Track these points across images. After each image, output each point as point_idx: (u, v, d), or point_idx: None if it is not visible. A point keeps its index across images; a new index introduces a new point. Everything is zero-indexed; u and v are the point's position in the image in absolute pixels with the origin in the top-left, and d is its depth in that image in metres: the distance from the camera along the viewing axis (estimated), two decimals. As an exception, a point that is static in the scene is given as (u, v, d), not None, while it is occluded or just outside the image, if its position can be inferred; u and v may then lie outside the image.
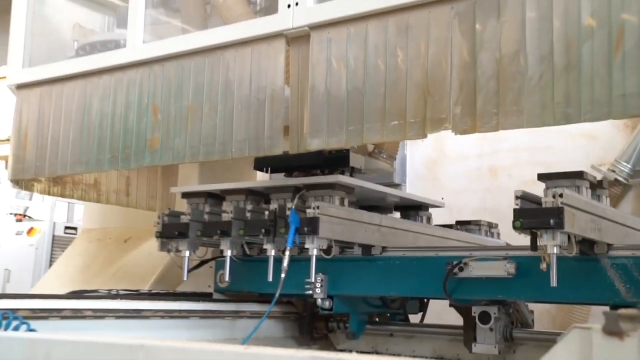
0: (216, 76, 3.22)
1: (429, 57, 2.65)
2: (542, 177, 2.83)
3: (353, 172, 3.70)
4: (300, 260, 3.33)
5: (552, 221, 2.47)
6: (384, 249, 3.40)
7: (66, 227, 8.24)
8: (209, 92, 3.23)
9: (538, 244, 2.56)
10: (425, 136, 2.67)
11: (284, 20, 3.00)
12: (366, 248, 3.38)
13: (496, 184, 5.26)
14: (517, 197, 2.61)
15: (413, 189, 5.40)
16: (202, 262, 3.88)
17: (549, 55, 2.39)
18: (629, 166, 4.58)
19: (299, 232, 3.11)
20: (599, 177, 3.47)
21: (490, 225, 4.37)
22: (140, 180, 4.73)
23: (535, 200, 2.63)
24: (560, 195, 2.50)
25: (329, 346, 3.93)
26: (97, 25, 4.59)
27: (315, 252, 3.14)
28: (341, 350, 3.81)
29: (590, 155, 4.79)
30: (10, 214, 9.24)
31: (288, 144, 2.99)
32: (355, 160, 3.70)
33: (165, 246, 3.61)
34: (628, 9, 2.27)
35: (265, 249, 3.28)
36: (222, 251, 3.43)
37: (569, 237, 2.56)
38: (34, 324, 2.47)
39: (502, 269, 2.93)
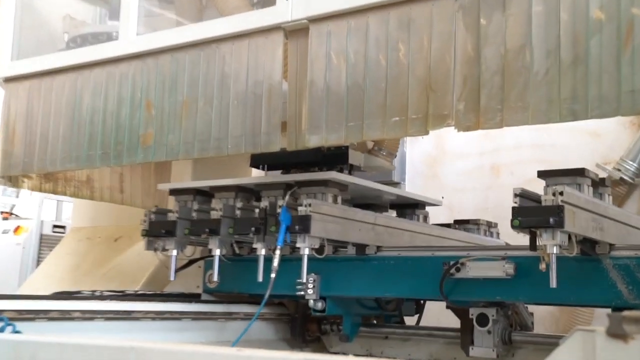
0: (212, 70, 3.21)
1: (432, 51, 2.65)
2: (542, 174, 2.82)
3: (352, 169, 3.69)
4: (291, 260, 3.32)
5: (551, 220, 2.45)
6: (378, 248, 3.39)
7: (54, 226, 8.21)
8: (204, 86, 3.22)
9: (537, 243, 2.55)
10: (427, 133, 2.67)
11: (282, 12, 2.99)
12: (360, 247, 3.37)
13: (498, 182, 5.26)
14: (515, 195, 2.59)
15: (412, 188, 5.40)
16: (190, 262, 3.86)
17: (556, 49, 2.39)
18: (635, 165, 4.59)
19: (290, 231, 3.09)
20: (604, 176, 3.47)
21: (490, 225, 4.37)
22: (135, 177, 4.72)
23: (535, 198, 2.62)
24: (561, 193, 2.49)
25: (322, 349, 3.92)
26: (89, 17, 4.57)
27: (306, 251, 3.12)
28: (334, 354, 3.80)
29: (595, 154, 4.80)
30: (-4, 211, 9.22)
31: (286, 141, 2.99)
32: (355, 157, 3.70)
33: (151, 245, 3.58)
34: (638, 2, 2.27)
35: (256, 248, 3.26)
36: (210, 250, 3.42)
37: (569, 237, 2.55)
38: (19, 325, 2.47)
39: (500, 270, 2.92)
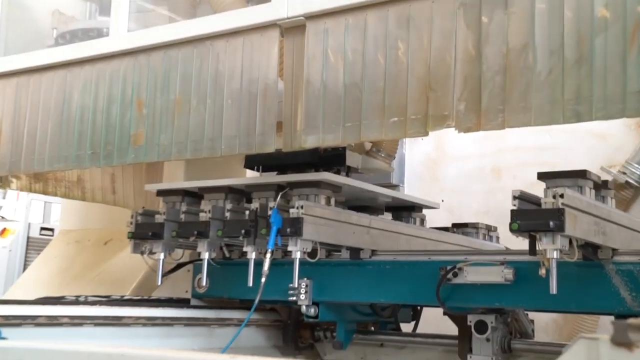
0: (205, 68, 3.21)
1: (432, 50, 2.65)
2: (542, 176, 2.82)
3: (349, 171, 3.69)
4: (283, 264, 3.32)
5: (551, 223, 2.44)
6: (373, 252, 3.39)
7: (42, 228, 8.20)
8: (197, 85, 3.22)
9: (537, 248, 2.54)
10: (426, 134, 2.67)
11: (278, 9, 2.99)
12: (354, 251, 3.37)
13: (499, 185, 5.27)
14: (514, 197, 2.58)
15: (412, 190, 5.41)
16: (179, 266, 3.86)
17: (559, 48, 2.39)
18: (640, 168, 4.60)
19: (281, 234, 3.09)
20: (608, 179, 3.47)
21: (489, 229, 4.37)
22: (127, 178, 4.71)
23: (535, 200, 2.61)
24: (561, 196, 2.48)
25: (315, 356, 3.92)
26: (78, 12, 4.56)
27: (298, 255, 3.12)
28: (328, 361, 3.80)
29: (600, 156, 4.81)
30: (-19, 214, 9.20)
31: (281, 141, 2.98)
32: (352, 159, 3.70)
33: (138, 248, 3.57)
34: (644, 0, 2.27)
35: (246, 252, 3.25)
36: (199, 254, 3.41)
37: (570, 241, 2.54)
38: (5, 331, 2.45)
39: (499, 275, 2.91)
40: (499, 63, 2.49)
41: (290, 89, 2.99)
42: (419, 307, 3.96)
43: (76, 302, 3.52)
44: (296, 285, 3.24)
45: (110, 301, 3.60)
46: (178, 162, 4.25)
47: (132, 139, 3.37)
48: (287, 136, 2.96)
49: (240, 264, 3.45)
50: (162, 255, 3.53)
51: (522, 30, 2.46)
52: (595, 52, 2.32)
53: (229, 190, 3.48)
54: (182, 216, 3.45)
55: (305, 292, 3.31)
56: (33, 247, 7.92)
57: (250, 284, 3.23)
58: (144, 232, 3.51)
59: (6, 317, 2.77)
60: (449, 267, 3.02)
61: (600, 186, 2.98)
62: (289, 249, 3.11)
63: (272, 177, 3.59)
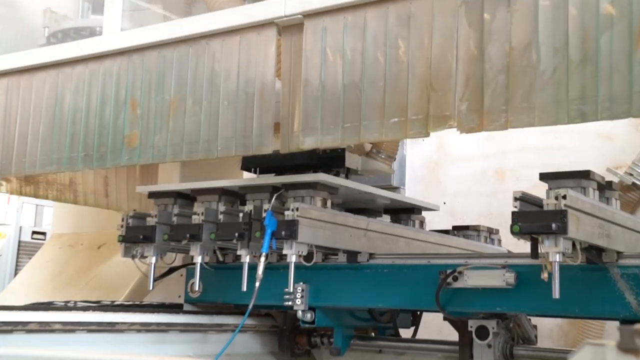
0: (201, 68, 3.21)
1: (433, 48, 2.65)
2: (544, 176, 2.82)
3: (349, 173, 3.69)
4: (278, 268, 3.32)
5: (554, 225, 2.44)
6: (371, 255, 3.38)
7: (34, 232, 8.19)
8: (192, 85, 3.21)
9: (539, 251, 2.53)
10: (428, 135, 2.67)
11: (275, 7, 2.99)
12: (352, 255, 3.36)
13: (503, 187, 5.27)
14: (515, 199, 2.57)
15: (412, 192, 5.41)
16: (171, 270, 3.85)
17: (564, 47, 2.39)
18: (648, 169, 4.60)
19: (275, 237, 3.08)
20: (615, 181, 3.46)
21: (491, 231, 4.36)
22: (120, 181, 4.71)
23: (537, 202, 2.60)
24: (564, 197, 2.47)
25: (312, 363, 3.92)
26: (71, 11, 4.56)
27: (294, 258, 3.11)
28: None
29: (606, 157, 4.81)
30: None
31: (278, 143, 2.98)
32: (352, 160, 3.69)
33: (129, 251, 3.56)
34: (651, -3, 2.27)
35: (240, 255, 3.24)
36: (192, 257, 3.41)
37: (573, 244, 2.54)
38: (-4, 338, 2.45)
39: (500, 279, 2.91)
40: (502, 62, 2.49)
41: (288, 89, 2.99)
42: (418, 312, 3.95)
43: (65, 307, 3.51)
44: (292, 290, 3.23)
45: (100, 306, 3.60)
46: (173, 164, 4.25)
47: (126, 141, 3.37)
48: (284, 137, 2.96)
49: (234, 268, 3.45)
50: (153, 259, 3.52)
51: (525, 28, 2.46)
52: (601, 50, 2.32)
53: (223, 192, 3.48)
54: (174, 219, 3.45)
55: (301, 296, 3.30)
56: (24, 251, 7.91)
57: (244, 288, 3.22)
58: (135, 236, 3.50)
59: (-4, 324, 2.77)
60: (449, 271, 3.02)
61: (605, 187, 2.98)
62: (284, 252, 3.11)
63: (267, 179, 3.58)
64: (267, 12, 3.03)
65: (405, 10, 2.72)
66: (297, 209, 3.06)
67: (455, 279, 3.00)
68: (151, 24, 3.54)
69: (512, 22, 2.49)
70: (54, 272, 4.86)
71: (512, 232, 2.53)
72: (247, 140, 3.03)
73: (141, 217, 3.57)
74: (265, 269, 3.15)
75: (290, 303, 3.29)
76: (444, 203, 4.61)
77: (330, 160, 3.62)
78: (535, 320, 3.61)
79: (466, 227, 4.27)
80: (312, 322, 3.36)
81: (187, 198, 3.63)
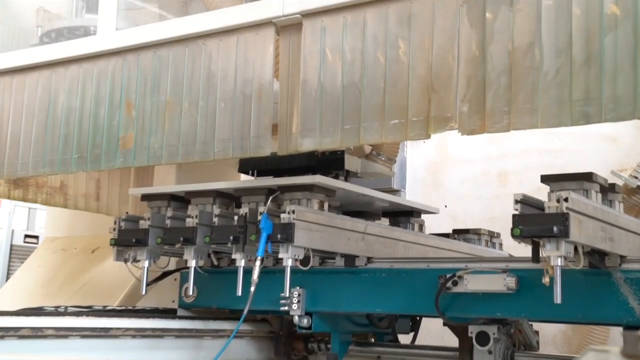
0: (197, 68, 3.21)
1: (434, 49, 2.65)
2: (546, 179, 2.81)
3: (348, 175, 3.69)
4: (274, 272, 3.31)
5: (555, 228, 2.43)
6: (369, 259, 3.38)
7: (26, 236, 8.19)
8: (189, 85, 3.22)
9: (540, 254, 2.53)
10: (428, 136, 2.67)
11: (273, 6, 3.00)
12: (349, 258, 3.36)
13: (505, 190, 5.27)
14: (516, 202, 2.57)
15: (413, 195, 5.41)
16: (164, 274, 3.84)
17: (567, 47, 2.39)
18: (653, 172, 4.60)
19: (271, 240, 3.07)
20: (619, 184, 3.47)
21: (492, 235, 4.36)
22: (112, 184, 4.71)
23: (538, 205, 2.60)
24: (566, 200, 2.46)
25: (309, 369, 3.92)
26: (64, 10, 4.56)
27: (290, 262, 3.10)
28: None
29: (610, 160, 4.81)
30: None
31: (276, 145, 2.98)
32: (351, 162, 3.69)
33: (121, 255, 3.55)
34: (656, -4, 2.27)
35: (235, 259, 3.23)
36: (186, 261, 3.40)
37: (575, 248, 2.53)
38: (-13, 344, 2.45)
39: (501, 284, 2.90)
40: (504, 62, 2.50)
41: (286, 89, 3.00)
42: (417, 318, 3.95)
43: (56, 312, 3.51)
44: (288, 295, 3.22)
45: (93, 312, 3.60)
46: (169, 167, 4.25)
47: (121, 142, 3.37)
48: (282, 139, 2.96)
49: (229, 272, 3.45)
50: (146, 263, 3.51)
51: (528, 28, 2.47)
52: (605, 50, 2.33)
53: (217, 195, 3.48)
54: (168, 222, 3.43)
55: (298, 301, 3.30)
56: (16, 255, 7.90)
57: (239, 293, 3.22)
58: (128, 239, 3.49)
59: (-13, 330, 2.77)
60: (448, 275, 3.01)
61: (607, 190, 2.97)
62: (280, 256, 3.10)
63: (263, 181, 3.58)
64: (265, 11, 3.03)
65: (406, 9, 2.73)
66: (293, 212, 3.06)
67: (455, 283, 2.99)
68: (147, 24, 3.55)
69: (514, 22, 2.50)
70: (47, 277, 4.85)
71: (513, 236, 2.53)
72: (245, 142, 3.03)
73: (134, 220, 3.56)
74: (261, 273, 3.15)
75: (286, 308, 3.29)
76: (445, 206, 4.61)
77: (330, 162, 3.62)
78: (538, 326, 3.61)
79: (467, 231, 4.26)
80: (309, 328, 3.36)
81: (181, 200, 3.62)
